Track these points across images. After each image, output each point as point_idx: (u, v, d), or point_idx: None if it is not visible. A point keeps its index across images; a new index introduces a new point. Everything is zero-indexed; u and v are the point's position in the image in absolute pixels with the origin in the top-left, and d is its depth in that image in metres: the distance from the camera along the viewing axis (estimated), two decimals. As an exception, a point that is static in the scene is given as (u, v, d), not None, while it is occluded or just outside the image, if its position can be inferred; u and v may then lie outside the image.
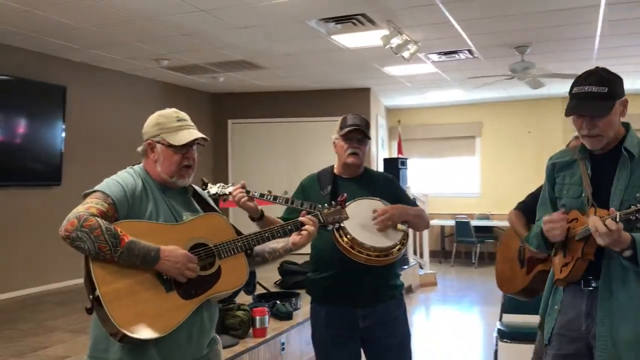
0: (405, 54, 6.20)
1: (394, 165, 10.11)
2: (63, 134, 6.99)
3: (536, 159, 11.12)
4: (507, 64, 7.26)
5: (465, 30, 6.07)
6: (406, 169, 10.08)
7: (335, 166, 2.98)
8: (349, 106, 9.57)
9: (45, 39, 6.18)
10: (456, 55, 7.23)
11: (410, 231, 3.34)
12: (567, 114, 2.19)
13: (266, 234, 2.29)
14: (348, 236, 2.62)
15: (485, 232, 11.07)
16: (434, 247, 11.32)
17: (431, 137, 11.71)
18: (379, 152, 10.60)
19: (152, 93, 8.56)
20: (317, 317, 2.88)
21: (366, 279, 2.73)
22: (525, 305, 4.35)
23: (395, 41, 5.81)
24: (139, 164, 2.32)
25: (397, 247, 2.69)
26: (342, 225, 2.57)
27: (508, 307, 4.39)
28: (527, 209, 3.38)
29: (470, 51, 7.03)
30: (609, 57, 7.43)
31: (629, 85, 9.77)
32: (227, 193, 2.70)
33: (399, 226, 2.74)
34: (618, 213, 1.97)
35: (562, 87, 9.71)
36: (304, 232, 2.34)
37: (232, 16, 5.45)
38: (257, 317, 4.38)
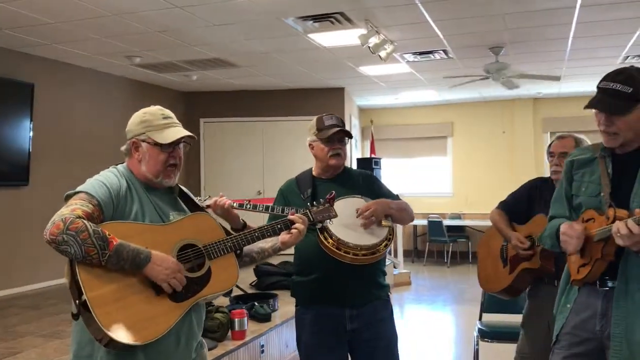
0: (382, 54, 6.19)
1: (367, 165, 10.11)
2: (31, 133, 6.78)
3: (507, 159, 11.27)
4: (481, 64, 7.33)
5: (442, 30, 6.08)
6: (380, 168, 10.10)
7: (313, 168, 2.93)
8: (323, 105, 9.54)
9: (12, 34, 5.98)
10: (431, 56, 7.26)
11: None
12: (586, 106, 2.17)
13: (256, 234, 2.24)
14: (333, 237, 2.57)
15: (457, 231, 11.17)
16: (407, 246, 11.37)
17: (403, 137, 11.76)
18: (353, 152, 10.58)
19: (122, 91, 8.38)
20: (303, 320, 2.83)
21: (353, 279, 2.68)
22: (505, 305, 4.39)
23: (373, 40, 5.79)
24: (122, 163, 2.24)
25: (383, 244, 2.65)
26: (325, 226, 2.54)
27: (488, 306, 4.40)
28: (509, 208, 3.39)
29: (445, 51, 7.06)
30: (580, 58, 7.54)
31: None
32: (206, 206, 2.61)
33: (384, 222, 2.70)
34: None
35: (534, 88, 9.86)
36: (294, 231, 2.30)
37: (208, 13, 5.35)
38: (236, 320, 4.30)
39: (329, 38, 6.29)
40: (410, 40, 6.48)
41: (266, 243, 2.37)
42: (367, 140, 11.75)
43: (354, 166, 10.31)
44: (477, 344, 4.13)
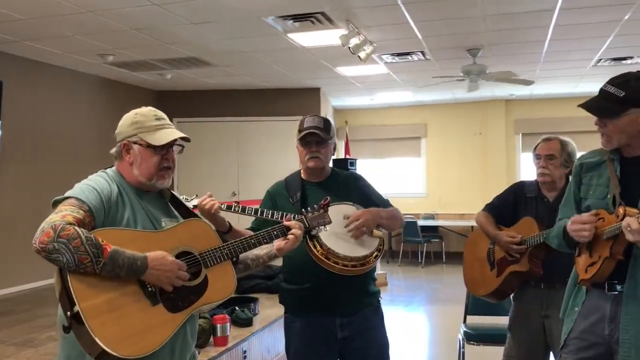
0: (362, 55, 6.15)
1: (343, 166, 10.07)
2: (-1, 132, 6.56)
3: (480, 160, 11.37)
4: (458, 66, 7.35)
5: (421, 31, 6.07)
6: (355, 169, 10.08)
7: (301, 171, 2.87)
8: (299, 106, 9.49)
9: (-19, 30, 5.77)
10: (409, 57, 7.25)
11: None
12: (579, 104, 2.19)
13: (252, 240, 2.17)
14: (323, 246, 2.51)
15: (431, 231, 11.21)
16: (381, 247, 11.36)
17: (378, 137, 11.76)
18: (328, 153, 10.54)
19: (94, 90, 8.16)
20: (292, 328, 2.77)
21: (343, 288, 2.63)
22: (489, 307, 4.39)
23: (354, 41, 5.75)
24: (111, 167, 2.14)
25: (373, 255, 2.60)
26: (315, 234, 2.47)
27: (471, 308, 4.40)
28: (495, 210, 3.38)
29: (423, 53, 7.06)
30: (554, 60, 7.63)
31: (570, 89, 10.15)
32: (192, 206, 2.51)
33: (375, 232, 2.64)
34: None
35: (506, 90, 9.95)
36: (290, 237, 2.24)
37: (187, 11, 5.24)
38: (219, 325, 4.20)
39: (308, 38, 6.23)
40: (389, 42, 6.46)
41: (261, 250, 2.29)
42: (342, 141, 11.72)
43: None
44: (463, 347, 4.12)
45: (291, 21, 5.62)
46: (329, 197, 2.46)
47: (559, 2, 5.08)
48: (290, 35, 6.08)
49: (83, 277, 1.78)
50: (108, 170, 2.12)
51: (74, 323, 1.77)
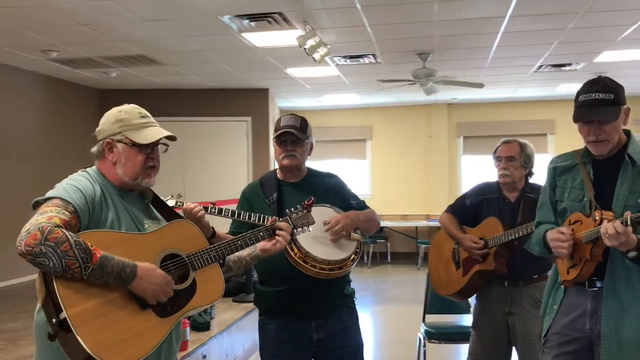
0: (316, 56, 6.15)
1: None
2: None
3: (423, 162, 11.61)
4: (407, 69, 7.47)
5: (376, 34, 6.14)
6: (303, 171, 10.08)
7: (277, 171, 2.85)
8: (247, 106, 9.41)
9: None
10: (360, 60, 7.32)
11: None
12: (579, 120, 2.25)
13: (239, 242, 2.15)
14: (300, 249, 2.50)
15: (376, 232, 11.30)
16: (328, 248, 11.40)
17: (324, 139, 11.80)
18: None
19: (34, 88, 7.80)
20: (267, 331, 2.74)
21: (319, 291, 2.61)
22: (446, 306, 4.49)
23: (310, 42, 5.75)
24: (91, 166, 2.06)
25: (351, 258, 2.60)
26: (293, 237, 2.45)
27: (431, 308, 4.47)
28: (458, 211, 3.47)
29: (374, 56, 7.14)
30: (499, 66, 7.88)
31: (509, 94, 10.51)
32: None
33: (353, 235, 2.65)
34: (630, 216, 2.04)
35: (449, 94, 10.21)
36: (279, 239, 2.23)
37: (141, 7, 5.09)
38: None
39: (262, 38, 6.18)
40: (343, 44, 6.50)
41: (243, 251, 2.26)
42: (288, 142, 11.68)
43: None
44: (425, 346, 4.18)
45: (247, 21, 5.56)
46: (312, 198, 2.44)
47: (510, 9, 5.24)
48: (245, 34, 6.02)
49: (69, 282, 1.71)
50: (88, 169, 2.04)
51: (60, 330, 1.69)
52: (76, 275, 1.69)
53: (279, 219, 2.35)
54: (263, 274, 2.79)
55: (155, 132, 2.04)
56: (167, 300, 1.88)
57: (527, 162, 3.29)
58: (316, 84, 9.05)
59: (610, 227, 2.04)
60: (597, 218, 2.16)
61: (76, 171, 2.03)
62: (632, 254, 2.10)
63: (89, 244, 1.72)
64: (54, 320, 1.69)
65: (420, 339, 4.28)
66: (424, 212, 11.39)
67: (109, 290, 1.77)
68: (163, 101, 9.31)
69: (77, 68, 7.54)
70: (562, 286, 2.36)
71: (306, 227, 2.40)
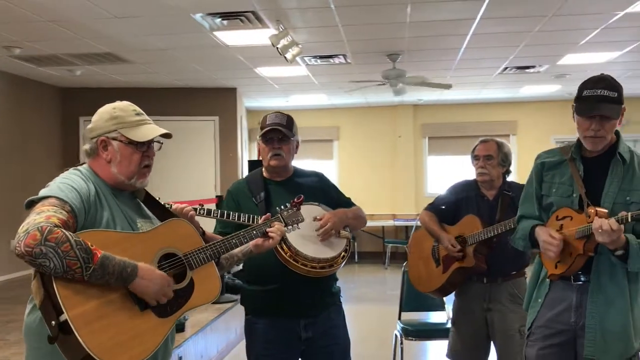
0: (288, 56, 6.14)
1: (259, 167, 10.01)
2: None
3: (389, 163, 11.70)
4: (377, 70, 7.51)
5: (347, 35, 6.17)
6: (271, 171, 10.04)
7: (263, 169, 2.83)
8: (215, 106, 9.33)
9: None
10: (331, 60, 7.34)
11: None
12: (584, 114, 2.27)
13: (234, 241, 2.14)
14: (290, 248, 2.50)
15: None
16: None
17: (291, 139, 11.80)
18: (243, 154, 10.44)
19: (-7, 85, 7.59)
20: (254, 330, 2.72)
21: (308, 289, 2.62)
22: (421, 303, 4.55)
23: (283, 42, 5.73)
24: (83, 164, 2.01)
25: (341, 256, 2.62)
26: (284, 236, 2.44)
27: (406, 305, 4.51)
28: (438, 209, 3.51)
29: (345, 56, 7.17)
30: (465, 68, 8.01)
31: (474, 95, 10.70)
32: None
33: (342, 232, 2.66)
34: (630, 214, 2.10)
35: (415, 95, 10.32)
36: (272, 235, 2.23)
37: (113, 4, 5.00)
38: (155, 331, 4.03)
39: (234, 37, 6.15)
40: (314, 44, 6.51)
41: None
42: (255, 143, 11.63)
43: (245, 169, 10.17)
44: (402, 343, 4.21)
45: (220, 19, 5.52)
46: (302, 195, 2.44)
47: (481, 11, 5.34)
48: (216, 33, 5.97)
49: (69, 283, 1.67)
50: (80, 168, 1.98)
51: (60, 333, 1.66)
52: (77, 275, 1.66)
53: (271, 217, 2.35)
54: (251, 273, 2.77)
55: (151, 129, 2.02)
56: (167, 301, 1.86)
57: (504, 161, 3.36)
58: (285, 84, 9.04)
59: (605, 224, 2.09)
60: (591, 214, 2.21)
61: (67, 169, 1.98)
62: (619, 252, 2.17)
63: (90, 244, 1.69)
64: (53, 322, 1.65)
65: (397, 337, 4.31)
66: (390, 212, 11.49)
67: (109, 290, 1.75)
68: (129, 100, 9.13)
69: (41, 65, 7.35)
70: (548, 280, 2.41)
71: (296, 225, 2.40)
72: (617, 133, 2.39)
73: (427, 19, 5.62)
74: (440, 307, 4.53)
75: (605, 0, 5.18)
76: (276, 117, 2.75)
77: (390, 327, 4.67)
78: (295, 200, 2.43)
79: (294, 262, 2.49)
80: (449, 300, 4.23)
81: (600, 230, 2.10)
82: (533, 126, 11.31)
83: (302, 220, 2.42)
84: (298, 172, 2.86)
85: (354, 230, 2.79)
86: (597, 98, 2.26)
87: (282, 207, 2.40)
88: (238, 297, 5.91)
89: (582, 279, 2.33)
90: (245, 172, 10.11)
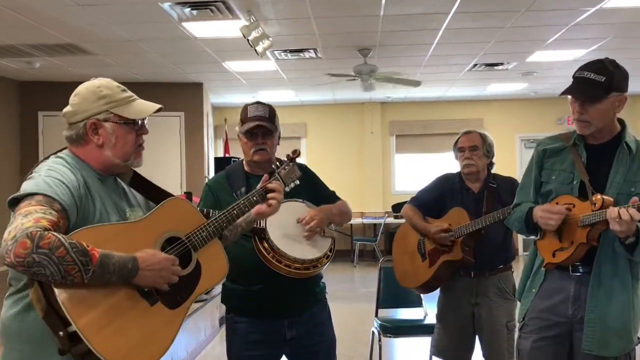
0: (259, 49, 5.99)
1: (226, 164, 9.77)
2: None
3: (357, 160, 11.66)
4: (347, 65, 7.43)
5: (319, 28, 6.06)
6: (238, 168, 9.87)
7: (244, 163, 2.71)
8: (180, 101, 9.09)
9: None
10: (301, 54, 7.21)
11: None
12: (562, 93, 2.25)
13: (234, 211, 2.01)
14: (274, 248, 2.38)
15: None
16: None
17: (258, 136, 11.64)
18: (210, 151, 10.23)
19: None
20: (236, 330, 2.59)
21: (292, 289, 2.50)
22: (399, 300, 4.48)
23: (254, 34, 5.58)
24: (63, 149, 1.84)
25: (326, 256, 2.51)
26: (265, 235, 2.37)
27: (382, 302, 4.43)
28: (422, 203, 3.44)
29: (315, 50, 7.06)
30: (435, 64, 7.99)
31: (441, 93, 10.72)
32: None
33: (327, 231, 2.57)
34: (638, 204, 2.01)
35: (383, 92, 10.28)
36: (272, 202, 2.11)
37: (76, -10, 4.77)
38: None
39: (203, 28, 5.96)
40: (286, 37, 6.38)
41: None
42: (220, 139, 11.45)
43: (212, 166, 9.97)
44: (380, 340, 4.13)
45: (189, 9, 5.33)
46: (298, 149, 2.38)
47: (456, 5, 5.29)
48: (185, 24, 5.78)
49: (71, 290, 1.53)
50: (63, 155, 1.81)
51: (69, 344, 1.53)
52: (77, 280, 1.53)
53: (269, 179, 2.22)
54: (233, 271, 2.63)
55: (144, 105, 1.87)
56: (176, 290, 1.75)
57: (489, 152, 3.33)
58: (253, 79, 8.87)
59: (624, 213, 2.01)
60: (597, 202, 2.14)
61: (47, 158, 1.81)
62: (630, 240, 2.09)
63: (85, 245, 1.55)
64: (61, 333, 1.52)
65: (374, 334, 4.22)
66: (358, 210, 11.41)
67: (114, 291, 1.62)
68: (90, 95, 8.85)
69: (-3, 57, 7.03)
70: (543, 269, 2.33)
71: (294, 183, 2.29)
72: (622, 122, 2.33)
73: (402, 12, 5.55)
74: (417, 303, 4.46)
75: (578, -5, 5.21)
76: (258, 109, 2.63)
77: (364, 324, 4.59)
78: (291, 154, 2.33)
79: (276, 263, 2.38)
80: (428, 297, 4.17)
81: (617, 220, 2.01)
82: (498, 124, 11.40)
83: (300, 175, 2.32)
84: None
85: (339, 226, 2.69)
86: (579, 80, 2.22)
87: (278, 164, 2.29)
88: (207, 297, 5.75)
89: (581, 270, 2.25)
90: (212, 170, 9.91)
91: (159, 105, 1.89)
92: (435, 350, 3.38)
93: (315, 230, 2.47)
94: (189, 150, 9.26)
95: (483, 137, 3.36)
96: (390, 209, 10.90)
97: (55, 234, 1.52)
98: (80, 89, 1.86)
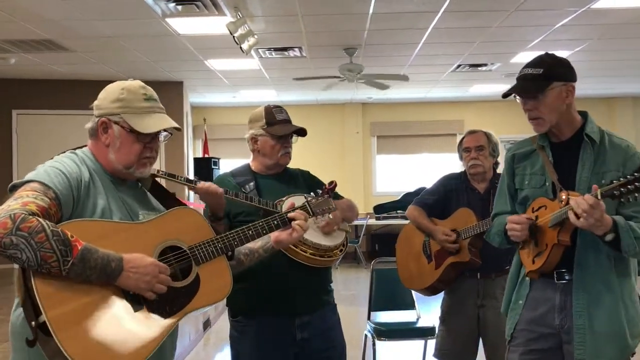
0: (244, 46, 5.87)
1: (206, 165, 9.70)
2: None
3: (338, 161, 11.57)
4: (332, 65, 7.35)
5: (307, 26, 5.97)
6: (219, 169, 9.74)
7: (252, 163, 2.65)
8: (160, 100, 8.88)
9: None
10: (286, 52, 7.11)
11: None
12: (504, 95, 2.22)
13: (250, 232, 1.90)
14: None
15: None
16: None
17: (238, 137, 11.44)
18: (189, 152, 10.05)
19: None
20: (245, 333, 2.49)
21: (302, 285, 2.44)
22: (392, 303, 4.40)
23: (240, 30, 5.47)
24: (84, 146, 1.80)
25: (339, 248, 2.49)
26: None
27: (376, 305, 4.35)
28: (426, 203, 3.37)
29: (300, 49, 6.96)
30: (420, 64, 7.95)
31: (423, 94, 10.69)
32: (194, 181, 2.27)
33: (341, 225, 2.53)
34: (599, 190, 1.93)
35: (365, 93, 10.23)
36: (296, 228, 1.98)
37: (57, -18, 4.60)
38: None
39: (187, 24, 5.83)
40: (271, 34, 6.27)
41: (255, 243, 2.02)
42: (199, 140, 11.27)
43: (191, 166, 9.79)
44: (374, 344, 4.04)
45: (173, 4, 5.19)
46: (335, 181, 2.31)
47: (446, 3, 5.24)
48: (169, 20, 5.64)
49: (51, 279, 1.46)
50: (78, 150, 1.78)
51: (41, 335, 1.44)
52: (54, 270, 1.45)
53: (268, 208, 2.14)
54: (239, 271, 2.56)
55: (158, 120, 1.78)
56: (166, 299, 1.64)
57: (494, 151, 3.27)
58: (235, 78, 8.74)
59: (581, 202, 1.91)
60: (563, 198, 2.06)
61: (63, 152, 1.76)
62: (609, 237, 1.99)
63: (69, 235, 1.48)
64: (33, 323, 1.44)
65: (368, 337, 4.13)
66: (339, 211, 11.35)
67: (98, 288, 1.53)
68: (67, 93, 8.61)
69: (-29, 52, 6.77)
70: (528, 279, 2.24)
71: (327, 215, 2.21)
72: (584, 114, 2.25)
73: (392, 10, 5.49)
74: (410, 305, 4.39)
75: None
76: (283, 113, 2.61)
77: (351, 327, 4.46)
78: (327, 186, 2.26)
79: (293, 248, 2.32)
80: (421, 299, 4.10)
81: (579, 212, 1.91)
82: (479, 125, 11.21)
83: (334, 209, 2.24)
84: (287, 168, 2.72)
85: (349, 223, 2.64)
86: (520, 78, 2.18)
87: (312, 194, 2.21)
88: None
89: (567, 277, 2.14)
90: (191, 170, 9.73)
91: (173, 124, 1.80)
92: (439, 353, 3.29)
93: (335, 223, 2.46)
94: (168, 150, 9.06)
95: (488, 137, 3.30)
96: (371, 211, 10.84)
97: (39, 219, 1.47)
98: (110, 85, 1.82)
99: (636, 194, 1.90)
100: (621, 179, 1.93)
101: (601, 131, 2.22)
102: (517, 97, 2.20)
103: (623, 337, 2.11)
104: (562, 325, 2.15)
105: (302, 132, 2.55)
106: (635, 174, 1.91)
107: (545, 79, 2.12)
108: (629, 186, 1.90)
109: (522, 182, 2.30)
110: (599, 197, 1.92)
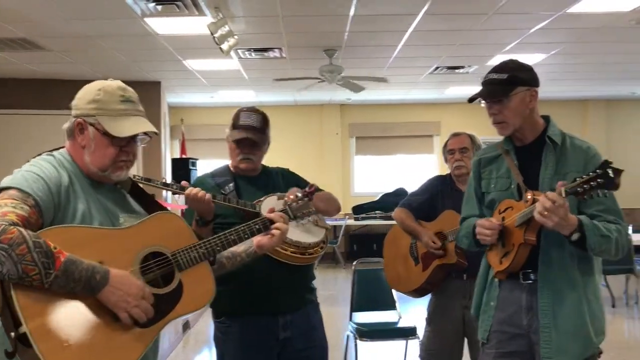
0: (224, 47, 5.84)
1: (184, 166, 9.63)
2: None
3: (316, 162, 11.58)
4: (312, 66, 7.35)
5: (287, 26, 5.96)
6: (196, 169, 9.69)
7: (230, 164, 2.67)
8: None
9: None
10: (266, 53, 7.09)
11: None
12: (470, 99, 2.28)
13: (232, 237, 1.87)
14: None
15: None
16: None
17: (217, 137, 11.38)
18: (166, 153, 9.96)
19: None
20: (229, 334, 2.50)
21: (285, 283, 2.46)
22: (372, 303, 4.42)
23: (221, 31, 5.43)
24: (61, 148, 1.76)
25: (320, 246, 2.51)
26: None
27: (357, 305, 4.37)
28: (413, 206, 3.40)
29: (281, 50, 6.95)
30: (398, 66, 7.99)
31: (401, 95, 10.75)
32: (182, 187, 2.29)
33: (320, 222, 2.55)
34: (563, 188, 1.98)
35: (344, 94, 10.26)
36: (275, 232, 1.96)
37: (35, -19, 4.52)
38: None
39: (166, 24, 5.77)
40: (251, 35, 6.25)
41: (238, 247, 1.99)
42: (176, 140, 11.19)
43: (168, 167, 9.71)
44: (356, 345, 4.06)
45: (153, 4, 5.13)
46: (315, 185, 2.30)
47: (426, 5, 5.27)
48: (148, 19, 5.57)
49: (31, 289, 1.42)
50: (56, 152, 1.73)
51: (20, 346, 1.40)
52: (36, 282, 1.41)
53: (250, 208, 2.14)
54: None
55: (134, 124, 1.75)
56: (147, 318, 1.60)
57: None
58: (214, 79, 8.69)
59: (545, 201, 1.95)
60: (528, 198, 2.11)
61: (39, 154, 1.72)
62: (575, 236, 2.03)
63: (52, 246, 1.44)
64: (12, 334, 1.40)
65: (350, 338, 4.15)
66: (317, 212, 11.36)
67: (78, 297, 1.49)
68: (41, 93, 8.47)
69: (-58, 50, 6.62)
70: (496, 280, 2.28)
71: (307, 217, 2.20)
72: (547, 118, 2.32)
73: (373, 12, 5.50)
74: (391, 306, 4.42)
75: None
76: (250, 117, 2.60)
77: (331, 327, 4.46)
78: (307, 189, 2.25)
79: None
80: (402, 299, 4.13)
81: (544, 212, 1.94)
82: (456, 127, 11.31)
83: (314, 212, 2.26)
84: (265, 169, 2.75)
85: (328, 216, 2.66)
86: (485, 83, 2.24)
87: (292, 196, 2.19)
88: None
89: (532, 277, 2.19)
90: (169, 171, 9.65)
91: (148, 127, 1.77)
92: (426, 354, 3.32)
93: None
94: (145, 151, 8.96)
95: (472, 139, 3.38)
96: (350, 211, 10.87)
97: (20, 229, 1.43)
98: (88, 85, 1.78)
99: (599, 191, 1.95)
100: (584, 176, 1.98)
101: (563, 134, 2.28)
102: (483, 101, 2.25)
103: (587, 334, 2.15)
104: (530, 325, 2.19)
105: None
106: (598, 170, 1.96)
107: (509, 83, 2.18)
108: (592, 183, 1.95)
109: (488, 186, 2.36)
110: (564, 194, 1.97)
